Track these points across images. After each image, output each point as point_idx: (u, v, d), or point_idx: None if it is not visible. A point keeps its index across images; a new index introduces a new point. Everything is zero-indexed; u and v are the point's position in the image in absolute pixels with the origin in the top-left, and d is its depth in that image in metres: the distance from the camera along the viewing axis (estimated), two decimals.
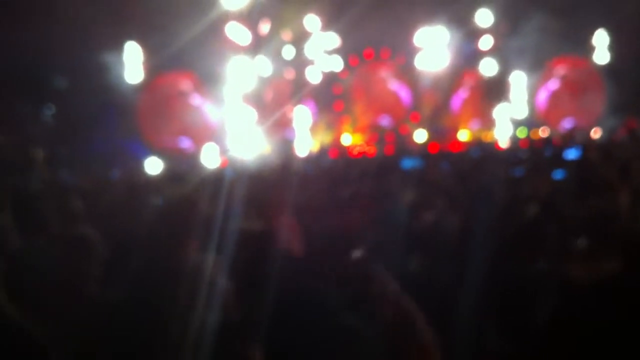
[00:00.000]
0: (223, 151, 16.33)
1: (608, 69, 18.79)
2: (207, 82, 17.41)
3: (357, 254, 3.16)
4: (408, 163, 8.81)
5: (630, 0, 15.33)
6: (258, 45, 17.14)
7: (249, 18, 16.68)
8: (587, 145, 11.56)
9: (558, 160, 8.05)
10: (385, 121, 20.45)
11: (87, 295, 3.41)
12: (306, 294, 2.73)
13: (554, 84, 19.58)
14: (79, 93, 15.22)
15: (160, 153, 15.45)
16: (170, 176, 8.72)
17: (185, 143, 17.51)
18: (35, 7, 14.09)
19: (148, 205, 5.30)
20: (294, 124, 19.06)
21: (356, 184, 6.34)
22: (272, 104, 18.19)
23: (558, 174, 6.30)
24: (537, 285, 3.62)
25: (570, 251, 3.84)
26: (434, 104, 20.26)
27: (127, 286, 3.15)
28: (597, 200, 4.83)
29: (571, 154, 9.15)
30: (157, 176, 10.84)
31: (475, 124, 20.14)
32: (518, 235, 4.20)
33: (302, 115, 19.18)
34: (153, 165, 13.59)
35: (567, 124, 19.03)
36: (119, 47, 16.84)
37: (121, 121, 15.87)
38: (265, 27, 17.56)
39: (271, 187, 5.55)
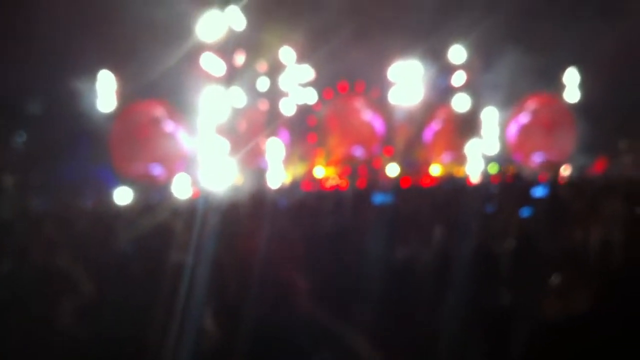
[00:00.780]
0: (195, 182, 16.26)
1: (579, 107, 19.04)
2: (181, 111, 17.38)
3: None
4: (380, 198, 8.80)
5: (602, 40, 15.58)
6: (232, 76, 17.15)
7: (224, 49, 16.70)
8: (557, 182, 11.68)
9: (527, 197, 8.11)
10: (358, 153, 20.51)
11: (62, 325, 3.35)
12: (279, 331, 2.70)
13: (525, 120, 19.80)
14: (52, 120, 15.11)
15: (131, 182, 15.36)
16: (142, 206, 8.65)
17: (157, 170, 17.40)
18: (8, 34, 14.02)
19: (121, 235, 5.24)
20: (267, 155, 19.05)
21: (330, 218, 6.34)
22: (245, 135, 18.18)
23: (526, 211, 6.33)
24: (510, 319, 3.63)
25: (542, 286, 3.86)
26: (407, 137, 20.35)
27: (104, 315, 3.11)
28: (568, 236, 4.88)
29: (539, 191, 9.21)
30: (128, 206, 10.76)
31: (447, 159, 20.25)
32: (491, 270, 4.21)
33: (275, 147, 19.18)
34: (124, 195, 13.50)
35: (537, 158, 19.24)
36: (92, 75, 16.78)
37: (93, 149, 15.75)
38: (240, 58, 17.59)
39: (244, 219, 5.52)
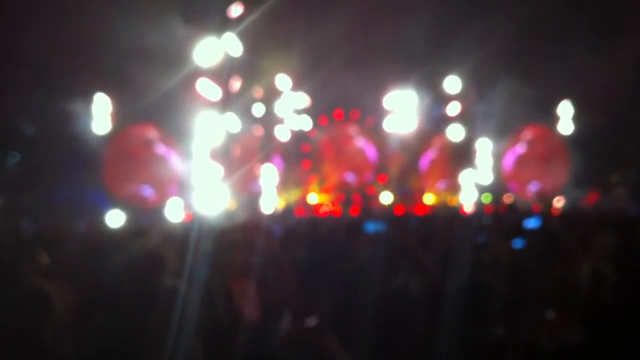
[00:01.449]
0: (188, 206, 16.22)
1: (572, 139, 19.11)
2: (176, 136, 17.39)
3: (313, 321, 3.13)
4: (371, 226, 8.79)
5: (595, 74, 15.68)
6: (228, 101, 17.17)
7: (220, 74, 16.73)
8: (550, 214, 11.69)
9: (519, 229, 8.11)
10: (352, 180, 20.56)
11: (50, 349, 3.32)
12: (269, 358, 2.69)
13: (519, 150, 19.88)
14: (45, 141, 15.11)
15: (124, 205, 15.32)
16: (134, 230, 8.62)
17: (150, 194, 17.36)
18: (3, 56, 14.04)
19: (112, 259, 5.21)
20: (261, 181, 19.05)
21: (322, 245, 6.33)
22: (239, 160, 18.17)
23: (518, 243, 6.33)
24: (501, 352, 3.62)
25: (533, 319, 3.86)
26: (401, 166, 20.39)
27: (93, 339, 3.09)
28: (559, 269, 4.87)
29: (531, 223, 9.21)
30: (120, 229, 10.72)
31: (441, 188, 20.29)
32: (482, 301, 4.20)
33: (269, 173, 19.19)
34: (116, 218, 13.47)
35: (532, 187, 19.30)
36: (88, 97, 16.80)
37: (87, 171, 15.72)
38: (236, 84, 17.63)
39: (236, 245, 5.51)
